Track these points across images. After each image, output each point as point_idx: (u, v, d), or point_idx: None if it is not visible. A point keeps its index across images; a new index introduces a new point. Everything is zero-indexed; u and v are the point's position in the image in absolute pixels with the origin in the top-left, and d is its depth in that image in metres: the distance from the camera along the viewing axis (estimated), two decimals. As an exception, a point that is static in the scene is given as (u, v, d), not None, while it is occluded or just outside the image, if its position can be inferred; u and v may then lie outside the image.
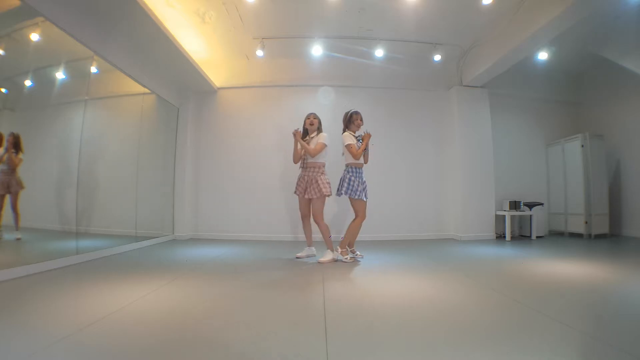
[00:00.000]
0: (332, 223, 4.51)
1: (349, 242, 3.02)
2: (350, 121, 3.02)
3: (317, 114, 3.14)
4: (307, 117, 3.10)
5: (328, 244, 2.97)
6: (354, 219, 2.99)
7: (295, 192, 3.09)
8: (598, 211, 4.60)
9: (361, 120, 3.04)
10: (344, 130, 3.04)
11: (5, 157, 2.49)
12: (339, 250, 2.96)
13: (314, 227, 3.10)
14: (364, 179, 3.02)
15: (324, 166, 3.02)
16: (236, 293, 1.93)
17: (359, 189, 2.91)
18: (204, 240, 4.45)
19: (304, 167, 3.06)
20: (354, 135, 2.99)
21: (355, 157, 2.92)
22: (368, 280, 2.26)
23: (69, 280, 2.18)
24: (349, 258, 2.91)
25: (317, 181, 2.92)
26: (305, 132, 3.10)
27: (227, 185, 4.70)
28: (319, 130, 3.07)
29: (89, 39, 2.89)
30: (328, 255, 2.92)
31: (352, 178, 2.94)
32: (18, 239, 2.59)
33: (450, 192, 4.79)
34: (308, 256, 3.11)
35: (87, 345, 1.18)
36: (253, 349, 1.17)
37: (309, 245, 3.15)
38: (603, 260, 2.94)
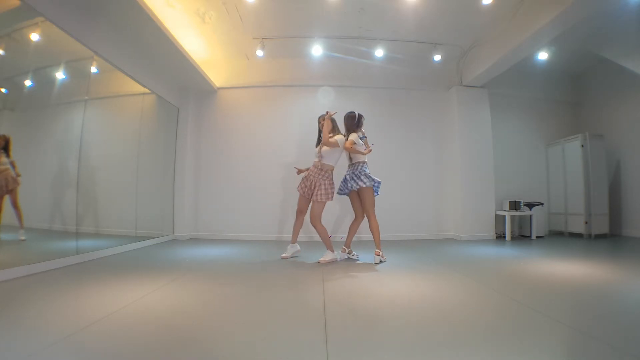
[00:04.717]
0: (334, 225, 4.52)
1: (350, 241, 3.05)
2: (359, 125, 3.02)
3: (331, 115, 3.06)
4: (319, 120, 3.11)
5: (327, 244, 2.97)
6: (369, 219, 2.95)
7: (298, 189, 3.08)
8: (598, 211, 4.60)
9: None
10: (349, 133, 3.03)
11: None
12: (376, 252, 2.90)
13: (310, 228, 3.08)
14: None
15: (332, 170, 2.99)
16: (236, 293, 1.93)
17: (376, 180, 2.95)
18: (204, 240, 4.45)
19: (315, 165, 3.02)
20: (360, 137, 3.00)
21: (368, 152, 2.95)
22: (368, 280, 2.25)
23: (69, 280, 2.18)
24: (383, 257, 2.90)
25: (321, 185, 2.90)
26: (320, 133, 3.09)
27: (227, 185, 4.69)
28: (334, 131, 3.02)
29: (89, 39, 2.89)
30: (328, 256, 2.92)
31: (367, 170, 2.95)
32: (22, 240, 2.58)
33: (450, 192, 4.79)
34: (293, 255, 3.07)
35: (87, 345, 1.18)
36: (253, 349, 1.17)
37: (293, 243, 3.11)
38: (603, 260, 2.94)
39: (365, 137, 3.04)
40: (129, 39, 3.36)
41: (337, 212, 4.54)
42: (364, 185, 2.89)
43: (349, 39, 4.29)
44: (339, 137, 2.95)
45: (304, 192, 3.04)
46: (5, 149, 2.50)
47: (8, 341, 1.21)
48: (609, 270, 2.49)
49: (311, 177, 2.99)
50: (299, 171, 3.26)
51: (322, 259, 2.89)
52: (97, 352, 1.14)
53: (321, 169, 2.96)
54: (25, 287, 1.97)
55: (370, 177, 2.91)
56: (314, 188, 2.93)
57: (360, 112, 3.10)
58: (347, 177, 3.01)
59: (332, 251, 2.97)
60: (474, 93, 4.78)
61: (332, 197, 2.96)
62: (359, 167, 2.95)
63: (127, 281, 2.14)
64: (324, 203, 2.94)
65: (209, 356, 1.11)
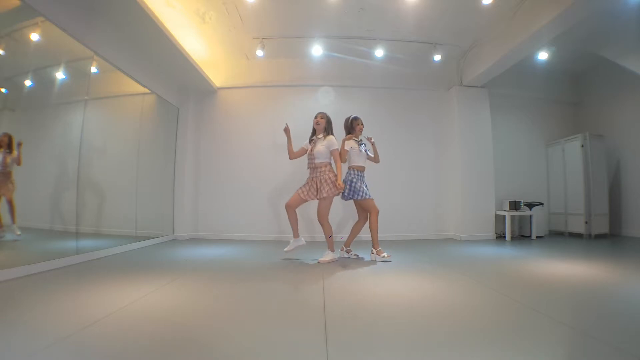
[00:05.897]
0: (336, 226, 4.51)
1: (350, 241, 3.10)
2: (352, 127, 3.05)
3: (326, 113, 3.05)
4: (315, 117, 3.03)
5: (329, 244, 2.96)
6: (370, 217, 2.98)
7: (300, 194, 2.93)
8: (598, 211, 4.60)
9: (362, 124, 3.07)
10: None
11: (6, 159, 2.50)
12: (374, 251, 2.93)
13: (311, 227, 3.07)
14: (366, 183, 3.04)
15: (329, 164, 2.97)
16: (236, 293, 1.93)
17: (362, 189, 2.93)
18: (204, 240, 4.45)
19: (311, 168, 2.99)
20: (355, 140, 3.01)
21: (342, 159, 2.95)
22: (368, 280, 2.26)
23: (69, 280, 2.18)
24: (386, 255, 2.90)
25: (327, 180, 2.87)
26: (313, 132, 3.07)
27: (227, 185, 4.70)
28: (327, 131, 2.99)
29: (89, 39, 2.89)
30: (328, 256, 2.92)
31: (354, 180, 2.95)
32: (18, 234, 2.56)
33: (450, 192, 4.79)
34: (297, 246, 2.98)
35: (87, 345, 1.18)
36: (253, 349, 1.17)
37: (296, 237, 2.98)
38: (603, 260, 2.94)
39: (363, 143, 3.05)
40: (129, 39, 3.36)
41: (340, 213, 4.54)
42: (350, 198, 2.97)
43: (349, 39, 4.29)
44: (330, 140, 2.92)
45: (305, 196, 2.91)
46: (9, 147, 2.50)
47: (8, 341, 1.20)
48: (609, 270, 2.49)
49: (315, 179, 2.94)
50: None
51: (322, 259, 2.89)
52: (97, 352, 1.14)
53: (320, 167, 2.93)
54: (25, 287, 1.97)
55: (351, 185, 2.93)
56: (320, 187, 2.88)
57: (361, 113, 3.11)
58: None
59: (333, 251, 2.97)
60: (474, 93, 4.78)
61: (342, 184, 2.85)
62: (350, 175, 2.99)
63: (127, 281, 2.14)
64: (331, 199, 2.90)
65: (209, 356, 1.11)
